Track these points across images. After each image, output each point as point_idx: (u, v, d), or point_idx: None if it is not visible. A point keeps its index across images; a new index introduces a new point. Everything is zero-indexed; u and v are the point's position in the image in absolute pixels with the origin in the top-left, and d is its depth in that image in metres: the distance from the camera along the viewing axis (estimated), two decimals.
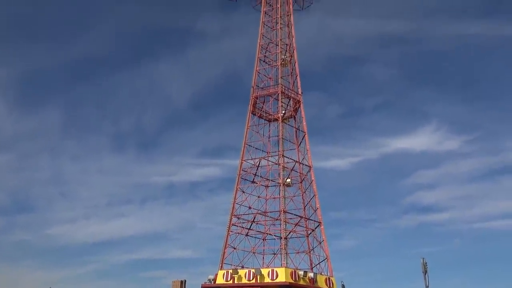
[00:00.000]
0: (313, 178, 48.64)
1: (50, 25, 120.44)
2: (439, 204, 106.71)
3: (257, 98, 52.25)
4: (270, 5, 57.30)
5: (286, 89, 51.70)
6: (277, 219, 47.28)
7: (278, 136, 50.94)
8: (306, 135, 50.26)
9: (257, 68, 53.41)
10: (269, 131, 53.07)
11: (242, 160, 49.28)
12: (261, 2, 64.98)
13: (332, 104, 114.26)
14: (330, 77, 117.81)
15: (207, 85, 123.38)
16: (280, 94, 50.62)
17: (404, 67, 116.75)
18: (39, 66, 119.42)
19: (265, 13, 56.54)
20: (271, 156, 49.84)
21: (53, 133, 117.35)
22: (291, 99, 51.95)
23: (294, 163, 49.54)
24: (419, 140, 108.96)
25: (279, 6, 55.77)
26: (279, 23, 55.00)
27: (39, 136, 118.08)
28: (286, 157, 49.09)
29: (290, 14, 55.63)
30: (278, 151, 49.93)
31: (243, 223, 47.95)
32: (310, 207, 48.46)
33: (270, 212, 48.39)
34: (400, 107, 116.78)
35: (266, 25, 56.30)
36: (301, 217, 47.64)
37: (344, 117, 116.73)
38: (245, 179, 50.31)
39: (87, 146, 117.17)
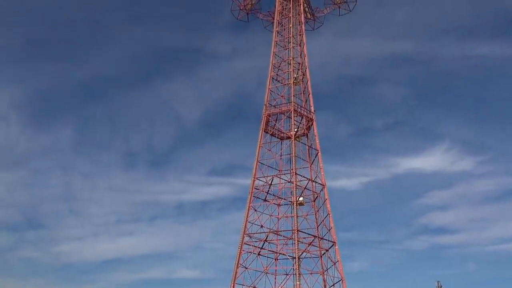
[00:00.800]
0: (326, 197, 47.92)
1: (65, 45, 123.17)
2: (453, 226, 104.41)
3: (269, 116, 52.25)
4: (282, 25, 58.04)
5: (299, 107, 51.70)
6: (290, 239, 46.41)
7: (290, 154, 50.64)
8: (319, 153, 49.86)
9: (270, 86, 53.64)
10: (281, 149, 52.90)
11: (254, 177, 48.87)
12: (272, 23, 66.19)
13: (342, 123, 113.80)
14: (340, 97, 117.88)
15: (217, 105, 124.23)
16: (292, 112, 50.57)
17: (414, 87, 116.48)
18: (53, 85, 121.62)
19: (277, 32, 57.20)
20: (284, 174, 49.43)
21: (65, 150, 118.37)
22: (304, 117, 51.84)
23: (307, 181, 48.98)
24: (431, 160, 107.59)
25: (291, 26, 56.45)
26: (291, 42, 55.53)
27: (51, 153, 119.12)
28: (299, 175, 48.60)
29: (302, 34, 56.23)
30: (291, 169, 49.51)
31: (255, 242, 47.17)
32: (324, 226, 47.55)
33: (282, 231, 47.59)
34: (411, 127, 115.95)
35: (278, 44, 56.88)
36: (314, 236, 46.71)
37: (354, 136, 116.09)
38: (257, 197, 49.80)
39: (98, 163, 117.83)
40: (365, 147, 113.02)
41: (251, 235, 47.32)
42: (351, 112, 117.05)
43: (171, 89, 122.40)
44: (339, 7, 64.55)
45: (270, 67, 54.84)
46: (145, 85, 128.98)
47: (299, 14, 57.47)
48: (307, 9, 63.61)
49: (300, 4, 57.87)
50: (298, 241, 45.25)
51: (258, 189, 49.52)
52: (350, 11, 64.57)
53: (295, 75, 54.32)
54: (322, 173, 49.08)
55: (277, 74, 55.29)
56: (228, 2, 65.56)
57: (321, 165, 49.42)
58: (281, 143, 53.25)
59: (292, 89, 52.72)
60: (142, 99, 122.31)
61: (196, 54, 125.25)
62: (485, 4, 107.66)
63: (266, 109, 52.36)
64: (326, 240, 46.65)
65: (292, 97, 51.98)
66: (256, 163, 49.99)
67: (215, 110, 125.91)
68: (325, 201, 47.94)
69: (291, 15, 56.70)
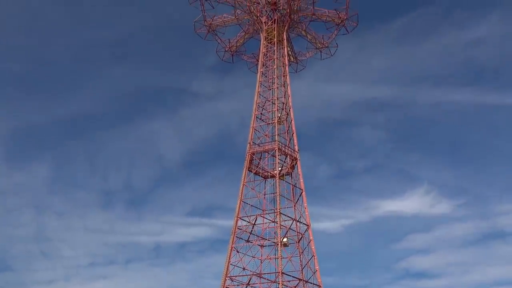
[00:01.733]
0: (311, 237, 46.80)
1: (47, 82, 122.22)
2: (433, 270, 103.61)
3: (253, 154, 51.87)
4: (266, 66, 59.29)
5: (283, 145, 51.65)
6: (274, 282, 44.47)
7: (274, 193, 49.83)
8: (303, 192, 49.26)
9: (254, 125, 53.71)
10: (265, 188, 52.20)
11: (237, 217, 47.52)
12: (256, 64, 67.67)
13: (323, 165, 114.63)
14: (321, 139, 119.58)
15: (199, 144, 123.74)
16: (277, 150, 50.41)
17: (392, 130, 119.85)
18: (32, 122, 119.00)
19: (262, 73, 58.27)
20: (267, 214, 48.30)
21: (39, 188, 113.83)
22: (288, 156, 51.68)
23: (291, 221, 47.89)
24: (410, 203, 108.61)
25: (275, 67, 57.71)
26: (275, 83, 56.50)
27: (25, 191, 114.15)
28: (284, 214, 47.54)
29: (286, 75, 57.43)
30: (275, 209, 48.49)
31: (237, 285, 44.94)
32: (309, 269, 45.97)
33: (266, 273, 45.67)
34: (390, 169, 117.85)
35: (263, 85, 57.74)
36: (299, 279, 44.96)
37: (335, 178, 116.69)
38: (240, 238, 48.17)
39: (73, 202, 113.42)
40: (346, 189, 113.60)
41: (233, 278, 45.21)
42: (332, 154, 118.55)
43: (153, 128, 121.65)
44: (321, 52, 66.96)
45: (255, 106, 55.25)
46: (127, 124, 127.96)
47: (283, 57, 59.01)
48: (290, 52, 65.58)
49: (284, 47, 59.58)
50: (282, 284, 43.39)
51: (241, 229, 48.04)
52: (332, 55, 67.07)
53: (279, 115, 54.78)
54: (307, 213, 48.29)
55: (261, 113, 55.63)
56: (213, 44, 67.10)
57: (305, 204, 48.68)
58: (265, 182, 52.62)
59: (276, 128, 52.92)
60: (124, 137, 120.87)
61: (180, 94, 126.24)
62: (456, 55, 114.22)
63: (250, 147, 52.05)
64: (311, 283, 44.95)
65: (276, 136, 52.06)
66: (240, 202, 48.83)
67: (197, 149, 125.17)
68: (309, 242, 46.73)
69: (275, 57, 58.16)
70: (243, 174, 50.98)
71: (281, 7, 61.01)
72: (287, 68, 57.96)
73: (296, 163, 51.50)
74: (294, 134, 53.02)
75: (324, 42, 65.51)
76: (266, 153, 51.63)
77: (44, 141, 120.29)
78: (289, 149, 52.03)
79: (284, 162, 52.09)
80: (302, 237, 48.32)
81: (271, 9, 61.02)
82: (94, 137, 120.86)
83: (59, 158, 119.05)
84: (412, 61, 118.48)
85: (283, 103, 55.66)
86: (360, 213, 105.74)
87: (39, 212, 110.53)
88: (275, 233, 48.20)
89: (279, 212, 47.08)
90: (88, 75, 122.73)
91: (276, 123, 53.26)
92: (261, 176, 52.51)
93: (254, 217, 47.94)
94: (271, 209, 49.47)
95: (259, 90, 56.54)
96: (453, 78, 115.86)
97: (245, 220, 48.60)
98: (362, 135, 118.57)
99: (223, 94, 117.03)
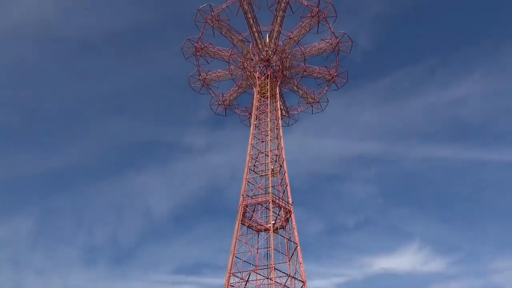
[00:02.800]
0: None
1: (37, 134, 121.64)
2: None
3: (246, 207, 50.77)
4: (259, 119, 60.12)
5: (277, 198, 50.85)
6: None
7: (268, 247, 48.14)
8: (298, 247, 47.69)
9: (247, 177, 53.17)
10: (258, 242, 50.49)
11: (230, 273, 45.29)
12: (249, 118, 68.72)
13: (314, 220, 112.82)
14: (311, 194, 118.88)
15: (188, 198, 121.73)
16: (271, 202, 49.51)
17: (382, 185, 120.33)
18: (19, 174, 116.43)
19: (255, 126, 58.90)
20: (261, 269, 46.25)
21: (20, 243, 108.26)
22: (282, 209, 50.69)
23: (287, 277, 45.81)
24: (403, 260, 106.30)
25: (268, 120, 58.54)
26: (269, 135, 56.95)
27: (5, 246, 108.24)
28: (278, 270, 45.57)
29: (279, 128, 58.12)
30: (269, 264, 46.55)
31: None
32: None
33: None
34: (381, 225, 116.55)
35: (256, 137, 58.12)
36: None
37: (327, 234, 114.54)
38: None
39: (55, 259, 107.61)
40: (337, 245, 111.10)
41: None
42: (322, 209, 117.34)
43: (143, 181, 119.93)
44: (312, 106, 68.68)
45: (248, 157, 55.12)
46: (116, 177, 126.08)
47: (276, 110, 60.13)
48: (282, 107, 67.06)
49: (277, 101, 60.94)
50: None
51: (233, 286, 45.61)
52: (323, 110, 68.76)
53: (272, 167, 54.56)
54: (302, 268, 46.38)
55: (254, 165, 55.38)
56: (206, 97, 68.44)
57: (300, 259, 46.94)
58: (258, 236, 51.05)
59: (270, 180, 52.43)
60: (112, 191, 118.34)
61: (170, 148, 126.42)
62: (441, 112, 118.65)
63: (243, 199, 51.07)
64: None
65: (270, 188, 51.41)
66: (232, 258, 46.85)
67: (186, 203, 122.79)
68: None
69: (268, 110, 59.20)
70: (236, 227, 49.51)
71: (273, 64, 63.32)
72: (280, 121, 58.82)
73: (290, 216, 50.43)
74: (288, 187, 52.53)
75: (315, 98, 67.41)
76: (260, 206, 50.60)
77: (30, 194, 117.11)
78: (283, 201, 51.19)
79: (278, 215, 50.99)
80: None
81: (264, 65, 63.23)
82: (82, 190, 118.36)
83: (44, 212, 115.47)
84: (399, 118, 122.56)
85: (276, 155, 55.72)
86: (353, 270, 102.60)
87: (18, 269, 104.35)
88: None
89: (273, 268, 45.12)
90: (79, 128, 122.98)
91: (270, 175, 52.85)
92: (254, 230, 51.05)
93: (247, 273, 45.76)
94: (264, 265, 47.55)
95: (252, 142, 56.77)
96: (439, 135, 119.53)
97: (238, 277, 46.35)
98: (353, 190, 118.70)
99: (214, 148, 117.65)
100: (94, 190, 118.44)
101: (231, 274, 45.41)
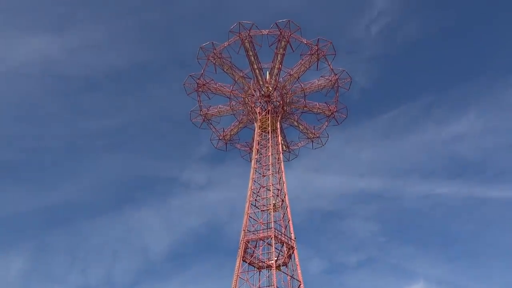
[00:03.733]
0: None
1: (35, 170, 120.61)
2: None
3: (248, 243, 49.56)
4: (260, 153, 60.18)
5: (279, 233, 49.82)
6: None
7: (270, 285, 46.49)
8: (301, 285, 46.09)
9: (248, 211, 52.35)
10: (259, 280, 48.84)
11: None
12: (249, 152, 68.82)
13: (315, 258, 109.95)
14: (311, 231, 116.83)
15: (186, 235, 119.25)
16: (273, 238, 48.43)
17: (384, 223, 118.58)
18: (14, 210, 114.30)
19: (256, 160, 58.83)
20: None
21: (10, 283, 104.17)
22: (284, 245, 49.51)
23: None
24: None
25: (270, 154, 58.57)
26: (270, 170, 56.75)
27: None
28: None
29: (281, 162, 58.03)
30: None
31: None
32: None
33: None
34: (384, 264, 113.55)
35: (257, 171, 57.88)
36: None
37: (328, 273, 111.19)
38: None
39: None
40: (339, 285, 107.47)
41: None
42: (323, 247, 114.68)
43: (140, 218, 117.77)
44: (313, 141, 69.07)
45: (249, 192, 54.56)
46: (113, 213, 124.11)
47: (277, 144, 60.33)
48: (283, 141, 67.30)
49: (278, 136, 61.30)
50: None
51: None
52: (323, 145, 69.08)
53: (274, 201, 53.90)
54: None
55: (255, 200, 54.71)
56: (206, 133, 68.88)
57: None
58: (259, 273, 49.48)
59: (272, 215, 51.61)
60: (108, 227, 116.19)
61: (170, 184, 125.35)
62: (439, 149, 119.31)
63: (244, 234, 49.97)
64: None
65: (272, 223, 50.49)
66: None
67: (184, 241, 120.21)
68: None
69: (269, 144, 59.40)
70: (237, 264, 48.04)
71: (274, 99, 64.31)
72: (281, 155, 58.84)
73: (293, 252, 49.17)
74: (290, 222, 51.58)
75: (316, 133, 67.94)
76: (261, 241, 49.42)
77: (24, 231, 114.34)
78: (286, 237, 50.11)
79: (280, 251, 49.72)
80: None
81: (265, 100, 64.19)
82: (77, 227, 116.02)
83: (38, 249, 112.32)
84: (399, 154, 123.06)
85: (278, 189, 55.23)
86: None
87: None
88: None
89: None
90: (79, 164, 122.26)
91: (272, 210, 52.09)
92: (255, 267, 49.52)
93: None
94: None
95: (253, 176, 56.44)
96: (439, 171, 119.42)
97: None
98: (354, 227, 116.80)
99: (213, 184, 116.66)
100: (90, 226, 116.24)
101: None
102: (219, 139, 69.01)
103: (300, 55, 61.07)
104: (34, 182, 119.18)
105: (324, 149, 69.70)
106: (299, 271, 47.27)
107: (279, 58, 61.04)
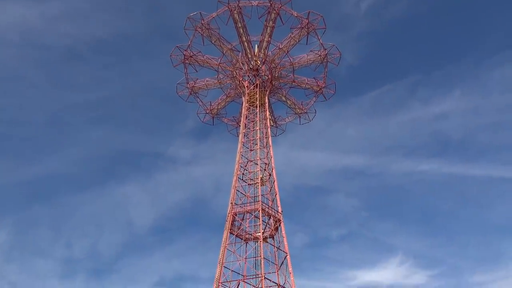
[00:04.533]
0: None
1: (18, 144, 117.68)
2: None
3: (235, 215, 49.88)
4: (248, 128, 59.84)
5: (266, 206, 50.21)
6: None
7: (256, 256, 47.24)
8: (288, 256, 46.94)
9: (236, 185, 52.42)
10: (246, 252, 49.52)
11: (219, 283, 44.02)
12: (236, 127, 68.43)
13: (298, 233, 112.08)
14: (296, 206, 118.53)
15: (171, 210, 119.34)
16: (260, 211, 48.82)
17: (366, 199, 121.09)
18: None
19: (244, 134, 58.53)
20: (251, 278, 45.21)
21: None
22: (272, 217, 50.04)
23: (277, 287, 44.88)
24: (386, 273, 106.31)
25: (257, 128, 58.30)
26: (257, 144, 56.63)
27: None
28: (268, 279, 44.60)
29: (269, 136, 57.96)
30: (257, 274, 45.59)
31: None
32: None
33: None
34: (365, 238, 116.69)
35: (245, 146, 57.68)
36: None
37: (311, 247, 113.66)
38: None
39: (31, 271, 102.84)
40: (321, 258, 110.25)
41: None
42: (307, 222, 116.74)
43: (125, 192, 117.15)
44: (300, 117, 69.02)
45: (237, 166, 54.49)
46: (98, 187, 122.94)
47: (265, 119, 60.04)
48: (270, 116, 67.00)
49: (266, 110, 60.93)
50: None
51: None
52: (310, 121, 69.15)
53: (261, 175, 54.06)
54: (292, 278, 45.50)
55: (242, 174, 54.75)
56: (193, 108, 67.89)
57: (290, 269, 46.11)
58: (246, 245, 50.12)
59: (259, 188, 51.83)
60: (93, 202, 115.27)
61: (155, 159, 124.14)
62: (423, 127, 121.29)
63: (232, 207, 50.20)
64: None
65: (259, 196, 50.78)
66: (221, 267, 45.65)
67: (169, 215, 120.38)
68: None
69: (257, 119, 59.03)
70: (224, 236, 48.44)
71: (262, 73, 63.52)
72: (269, 130, 58.72)
73: (280, 224, 49.80)
74: (277, 195, 52.01)
75: (303, 108, 67.82)
76: (249, 214, 49.82)
77: (7, 204, 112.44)
78: (273, 210, 50.59)
79: (267, 224, 50.29)
80: None
81: (253, 74, 63.37)
82: (61, 201, 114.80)
83: (21, 223, 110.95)
84: (383, 132, 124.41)
85: (265, 163, 55.33)
86: (337, 283, 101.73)
87: None
88: None
89: (263, 277, 44.15)
90: (62, 137, 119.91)
91: (259, 183, 52.28)
92: (242, 239, 50.08)
93: (236, 282, 44.62)
94: (252, 275, 46.55)
95: (241, 150, 56.27)
96: (421, 149, 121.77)
97: (226, 286, 45.11)
98: (337, 202, 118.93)
99: (199, 159, 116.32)
100: (75, 200, 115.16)
101: (220, 284, 44.12)
102: (206, 113, 68.23)
103: (290, 28, 60.14)
104: (15, 155, 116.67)
105: (310, 126, 69.96)
106: (285, 243, 48.04)
107: (268, 31, 59.94)
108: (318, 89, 65.23)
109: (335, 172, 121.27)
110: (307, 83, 65.45)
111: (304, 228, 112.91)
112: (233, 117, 69.16)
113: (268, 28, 59.69)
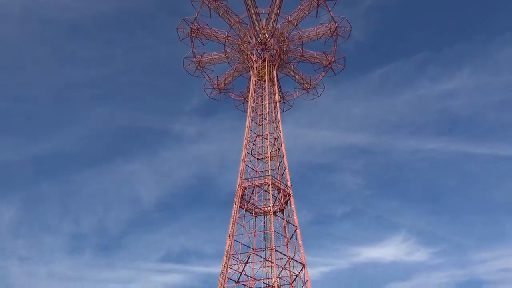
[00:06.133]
0: (307, 278, 43.94)
1: (23, 120, 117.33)
2: None
3: (245, 189, 49.72)
4: (256, 103, 59.07)
5: (276, 180, 49.99)
6: None
7: (266, 230, 47.32)
8: (298, 229, 46.99)
9: (245, 159, 52.08)
10: (255, 226, 49.57)
11: (230, 255, 44.23)
12: (243, 102, 67.70)
13: (303, 210, 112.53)
14: (301, 183, 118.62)
15: (177, 187, 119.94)
16: (270, 184, 48.61)
17: (371, 177, 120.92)
18: (3, 160, 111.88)
19: (253, 108, 57.81)
20: (261, 251, 45.43)
21: (4, 230, 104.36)
22: (281, 191, 49.89)
23: (287, 259, 45.10)
24: (389, 250, 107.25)
25: (266, 103, 57.55)
26: (267, 119, 56.02)
27: None
28: (279, 252, 44.75)
29: (277, 111, 57.24)
30: (267, 247, 45.77)
31: None
32: None
33: None
34: (368, 216, 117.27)
35: (253, 121, 57.08)
36: None
37: (315, 224, 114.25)
38: (229, 278, 44.57)
39: (39, 246, 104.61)
40: (325, 235, 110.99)
41: None
42: (312, 199, 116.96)
43: (132, 169, 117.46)
44: (308, 92, 68.08)
45: (246, 140, 54.00)
46: (104, 164, 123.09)
47: (273, 93, 59.21)
48: (278, 91, 66.08)
49: (275, 84, 60.03)
50: None
51: (232, 269, 44.60)
52: (318, 96, 68.26)
53: (270, 150, 53.66)
54: (302, 251, 45.65)
55: (251, 148, 54.34)
56: (199, 84, 66.92)
57: (300, 242, 46.22)
58: (255, 219, 50.16)
59: (269, 162, 51.52)
60: (99, 178, 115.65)
61: (161, 136, 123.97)
62: (430, 105, 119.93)
63: (241, 181, 49.99)
64: None
65: (269, 170, 50.51)
66: (231, 240, 45.79)
67: (175, 192, 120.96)
68: (306, 282, 43.80)
69: (266, 93, 58.20)
70: (234, 209, 48.43)
71: (271, 47, 62.26)
72: (278, 104, 57.96)
73: (289, 198, 49.68)
74: (287, 169, 51.73)
75: (312, 83, 66.81)
76: (260, 188, 49.66)
77: (14, 180, 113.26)
78: (282, 184, 50.40)
79: (277, 198, 50.20)
80: (296, 277, 45.36)
81: (261, 48, 62.13)
82: (68, 177, 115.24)
83: (29, 199, 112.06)
84: (390, 110, 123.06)
85: (275, 138, 54.83)
86: (340, 260, 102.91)
87: (3, 257, 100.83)
88: (265, 273, 45.34)
89: (274, 250, 44.29)
90: (67, 114, 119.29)
91: (269, 158, 51.93)
92: (252, 213, 50.08)
93: (246, 255, 44.82)
94: (261, 248, 46.76)
95: (250, 124, 55.70)
96: (428, 127, 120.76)
97: (236, 259, 45.34)
98: (342, 180, 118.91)
99: (205, 136, 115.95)
100: (81, 177, 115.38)
101: (231, 256, 44.33)
102: (213, 88, 67.29)
103: (300, 0, 58.56)
104: (21, 132, 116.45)
105: (317, 103, 69.23)
106: (295, 217, 48.07)
107: (277, 3, 58.32)
108: (328, 63, 64.02)
109: (340, 150, 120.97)
110: (316, 57, 64.20)
111: (309, 205, 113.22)
112: (240, 92, 68.32)
113: None
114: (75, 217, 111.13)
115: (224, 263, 44.55)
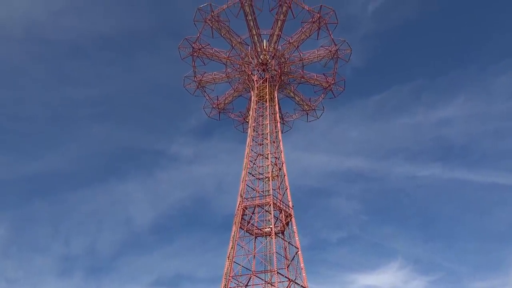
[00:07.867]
0: None
1: (18, 139, 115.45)
2: None
3: (245, 209, 48.57)
4: (257, 122, 58.74)
5: (277, 200, 48.99)
6: None
7: (266, 252, 45.94)
8: (299, 251, 45.68)
9: (246, 178, 51.17)
10: (255, 248, 48.16)
11: (229, 276, 42.59)
12: (243, 123, 67.43)
13: (298, 234, 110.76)
14: (296, 207, 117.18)
15: (171, 209, 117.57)
16: (272, 204, 47.57)
17: (367, 202, 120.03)
18: None
19: (253, 128, 57.39)
20: (262, 273, 43.85)
21: None
22: (282, 212, 48.82)
23: (287, 283, 43.52)
24: (385, 278, 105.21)
25: (267, 122, 57.24)
26: (268, 138, 55.55)
27: None
28: (281, 274, 43.24)
29: (278, 131, 56.87)
30: (268, 269, 44.27)
31: None
32: None
33: None
34: (364, 242, 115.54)
35: (254, 140, 56.55)
36: None
37: (309, 249, 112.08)
38: None
39: (28, 268, 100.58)
40: (321, 261, 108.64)
41: None
42: (307, 223, 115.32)
43: (125, 189, 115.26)
44: (308, 114, 68.09)
45: (246, 160, 53.25)
46: (98, 184, 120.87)
47: (274, 113, 59.02)
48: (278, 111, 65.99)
49: (275, 104, 59.95)
50: None
51: None
52: (318, 118, 68.23)
53: (271, 171, 52.88)
54: (304, 274, 44.23)
55: (252, 168, 53.56)
56: (196, 106, 66.78)
57: (302, 264, 44.84)
58: (255, 240, 48.81)
59: (270, 182, 50.67)
60: (93, 198, 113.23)
61: (157, 156, 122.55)
62: (426, 132, 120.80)
63: (242, 200, 48.89)
64: None
65: (270, 190, 49.59)
66: (231, 262, 44.24)
67: (169, 214, 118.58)
68: None
69: (267, 113, 57.98)
70: (234, 230, 47.09)
71: (271, 68, 62.59)
72: (279, 124, 57.67)
73: (291, 219, 48.58)
74: (288, 190, 50.85)
75: (311, 105, 66.91)
76: (260, 208, 48.54)
77: (6, 199, 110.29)
78: (283, 204, 49.39)
79: (278, 218, 49.06)
80: None
81: (262, 69, 62.42)
82: (61, 197, 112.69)
83: (20, 218, 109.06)
84: (386, 136, 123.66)
85: (275, 158, 54.20)
86: (335, 287, 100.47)
87: None
88: None
89: (276, 272, 42.77)
90: (63, 133, 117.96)
91: (270, 177, 51.11)
92: (252, 234, 48.77)
93: (247, 277, 43.23)
94: (261, 271, 45.21)
95: (250, 144, 55.13)
96: (424, 154, 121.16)
97: (235, 281, 43.70)
98: (338, 205, 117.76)
99: (201, 158, 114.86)
100: (74, 197, 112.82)
101: (231, 278, 42.69)
102: (213, 107, 67.02)
103: (301, 22, 59.41)
104: (16, 150, 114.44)
105: (313, 127, 69.03)
106: (296, 238, 46.86)
107: (279, 25, 59.12)
108: (327, 85, 64.36)
109: (337, 175, 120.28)
110: (316, 79, 64.57)
111: (304, 230, 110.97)
112: (240, 112, 68.11)
113: (279, 21, 58.89)
114: (66, 238, 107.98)
115: (223, 285, 42.85)
